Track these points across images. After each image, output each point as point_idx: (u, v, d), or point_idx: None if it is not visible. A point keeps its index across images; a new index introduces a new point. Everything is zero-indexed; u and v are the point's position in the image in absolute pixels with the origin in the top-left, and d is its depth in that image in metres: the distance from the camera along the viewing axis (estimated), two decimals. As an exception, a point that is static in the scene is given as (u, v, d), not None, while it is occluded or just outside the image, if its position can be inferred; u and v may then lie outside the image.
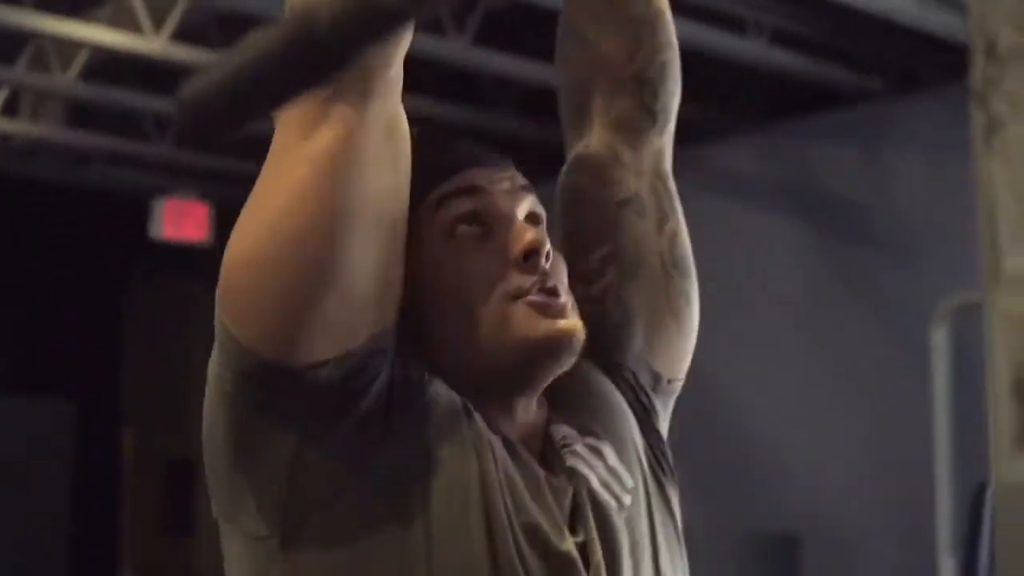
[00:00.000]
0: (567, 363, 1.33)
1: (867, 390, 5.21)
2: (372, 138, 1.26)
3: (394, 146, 1.28)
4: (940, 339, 4.58)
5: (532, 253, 1.32)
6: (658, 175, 1.52)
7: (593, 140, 1.52)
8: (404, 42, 1.27)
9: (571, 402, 1.39)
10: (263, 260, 1.24)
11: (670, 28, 1.54)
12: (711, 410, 5.56)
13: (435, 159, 1.36)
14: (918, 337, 4.74)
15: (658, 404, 1.48)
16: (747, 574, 5.15)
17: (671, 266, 1.49)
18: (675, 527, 1.44)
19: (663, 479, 1.45)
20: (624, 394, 1.45)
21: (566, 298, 1.33)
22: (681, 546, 1.44)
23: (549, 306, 1.31)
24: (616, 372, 1.46)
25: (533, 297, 1.31)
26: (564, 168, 1.53)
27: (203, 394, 1.31)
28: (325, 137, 1.25)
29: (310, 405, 1.25)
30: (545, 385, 1.35)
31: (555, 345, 1.31)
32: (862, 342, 5.25)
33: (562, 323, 1.31)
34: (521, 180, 1.38)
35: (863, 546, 5.14)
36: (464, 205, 1.34)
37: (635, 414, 1.45)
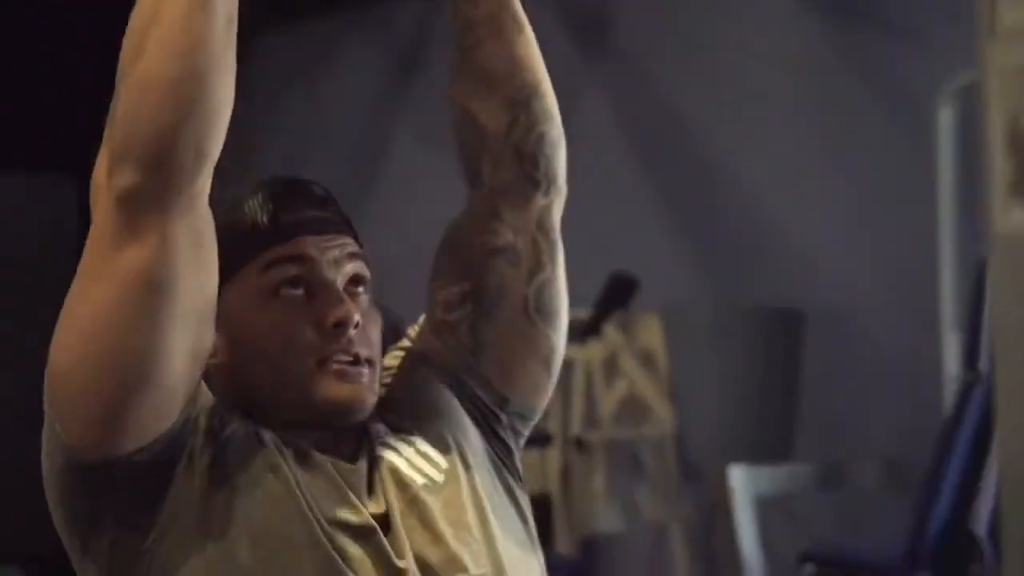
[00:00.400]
0: (357, 420, 1.52)
1: (873, 169, 5.19)
2: (178, 252, 1.36)
3: (201, 252, 1.39)
4: (946, 119, 4.55)
5: (341, 324, 1.48)
6: (541, 229, 1.64)
7: (478, 200, 1.63)
8: (213, 155, 1.36)
9: (399, 404, 1.57)
10: (76, 375, 1.38)
11: (547, 100, 1.63)
12: (715, 190, 5.56)
13: (272, 220, 1.49)
14: (924, 117, 4.71)
15: (504, 418, 1.63)
16: (748, 349, 5.21)
17: (534, 312, 1.63)
18: (524, 524, 1.58)
19: (510, 481, 1.61)
20: (463, 404, 1.60)
21: (366, 366, 1.51)
22: (533, 543, 1.58)
23: (346, 373, 1.49)
24: (460, 387, 1.61)
25: (333, 365, 1.49)
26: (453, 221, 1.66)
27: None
28: (132, 256, 1.35)
29: (126, 487, 1.40)
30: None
31: (345, 408, 1.50)
32: (868, 122, 5.21)
33: (354, 389, 1.49)
34: (351, 248, 1.54)
35: (865, 321, 5.17)
36: (290, 271, 1.50)
37: (475, 423, 1.61)
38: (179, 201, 1.35)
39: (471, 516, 1.51)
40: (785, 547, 4.82)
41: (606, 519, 5.26)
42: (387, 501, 1.48)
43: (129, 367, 1.36)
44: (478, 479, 1.55)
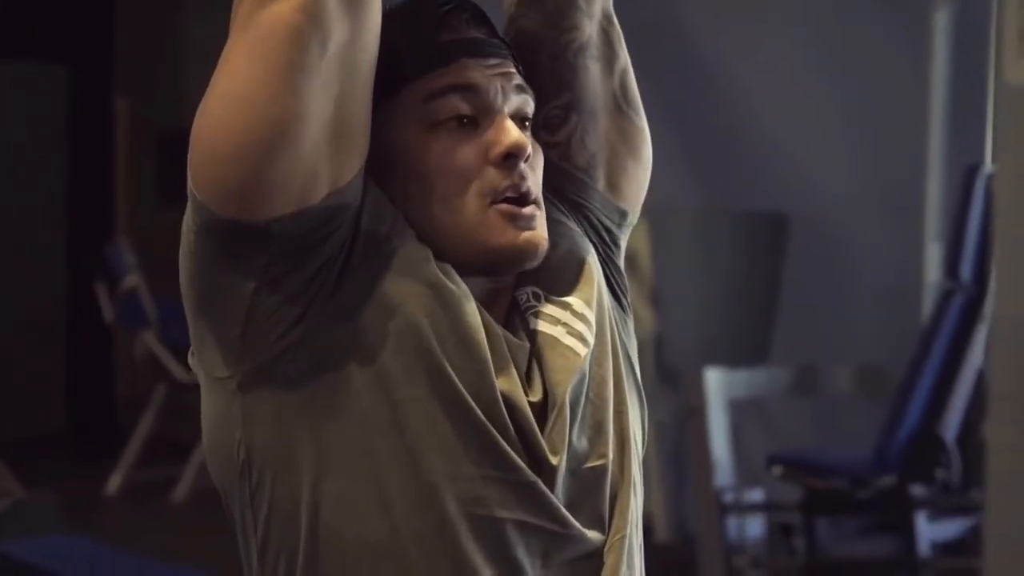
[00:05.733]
0: (528, 267, 1.39)
1: (864, 72, 5.16)
2: (328, 3, 1.27)
3: (355, 7, 1.29)
4: (942, 22, 4.53)
5: (512, 156, 1.36)
6: (606, 16, 1.53)
7: None
8: None
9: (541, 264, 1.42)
10: (215, 123, 1.29)
11: None
12: (703, 93, 5.54)
13: (429, 38, 1.37)
14: (919, 19, 4.69)
15: (621, 239, 1.53)
16: (732, 253, 5.22)
17: (624, 104, 1.53)
18: (630, 358, 1.49)
19: (622, 312, 1.51)
20: (587, 233, 1.49)
21: (536, 207, 1.38)
22: (635, 374, 1.49)
23: (518, 216, 1.36)
24: (579, 211, 1.50)
25: (504, 206, 1.36)
26: (513, 10, 1.52)
27: (197, 65, 1.37)
28: (276, 7, 1.26)
29: (266, 256, 1.30)
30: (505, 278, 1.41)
31: (518, 255, 1.37)
32: (862, 23, 5.18)
33: (527, 235, 1.37)
34: (517, 79, 1.40)
35: (850, 229, 5.19)
36: (454, 102, 1.36)
37: (598, 253, 1.49)
38: None
39: (610, 389, 1.42)
40: (758, 450, 4.87)
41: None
42: (545, 388, 1.37)
43: (260, 120, 1.26)
44: (618, 337, 1.46)
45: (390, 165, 1.37)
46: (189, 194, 1.32)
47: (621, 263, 1.53)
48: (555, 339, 1.39)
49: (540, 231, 1.38)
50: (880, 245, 5.09)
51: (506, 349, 1.36)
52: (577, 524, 1.35)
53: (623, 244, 1.54)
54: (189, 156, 1.32)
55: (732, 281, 5.24)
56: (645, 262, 5.26)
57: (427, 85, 1.37)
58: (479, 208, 1.36)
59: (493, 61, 1.39)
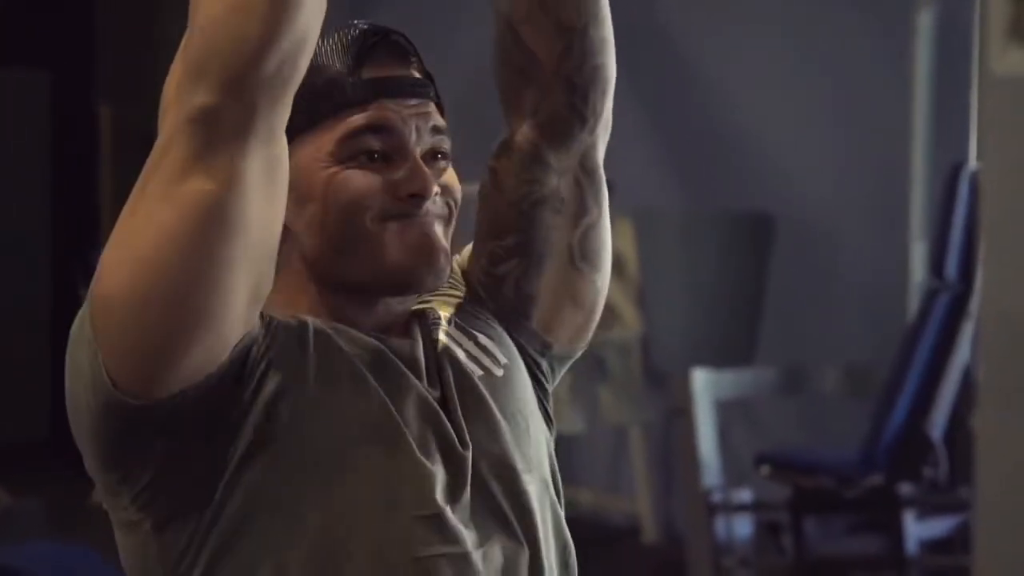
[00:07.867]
0: (429, 277, 1.40)
1: (848, 72, 5.18)
2: (250, 188, 1.25)
3: (273, 189, 1.28)
4: (925, 21, 4.55)
5: (417, 196, 1.38)
6: (584, 170, 1.54)
7: (520, 132, 1.52)
8: (297, 81, 1.25)
9: (458, 306, 1.48)
10: (129, 301, 1.25)
11: (605, 28, 1.51)
12: (689, 95, 5.55)
13: (351, 75, 1.38)
14: (902, 19, 4.70)
15: (544, 363, 1.55)
16: (717, 254, 5.23)
17: (579, 259, 1.54)
18: (551, 459, 1.50)
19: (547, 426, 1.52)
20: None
21: (437, 221, 1.40)
22: (556, 481, 1.50)
23: (412, 223, 1.39)
24: (505, 331, 1.51)
25: (396, 221, 1.38)
26: (494, 150, 1.54)
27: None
28: (200, 187, 1.23)
29: (170, 425, 1.28)
30: (413, 296, 1.44)
31: (416, 259, 1.39)
32: (845, 23, 5.19)
33: (425, 235, 1.39)
34: (434, 120, 1.42)
35: (835, 228, 5.20)
36: (370, 143, 1.38)
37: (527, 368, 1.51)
38: (257, 130, 1.23)
39: (522, 417, 1.45)
40: (745, 450, 4.88)
41: (568, 421, 5.29)
42: (443, 385, 1.41)
43: (187, 305, 1.24)
44: (530, 389, 1.49)
45: (297, 196, 1.36)
46: (90, 356, 1.30)
47: (548, 384, 1.54)
48: (455, 355, 1.43)
49: (441, 237, 1.40)
50: (865, 244, 5.10)
51: (395, 361, 1.38)
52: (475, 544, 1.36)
53: (549, 371, 1.55)
54: (93, 317, 1.29)
55: (718, 282, 5.25)
56: (631, 264, 5.27)
57: (343, 124, 1.37)
58: (378, 227, 1.38)
59: (413, 101, 1.40)
